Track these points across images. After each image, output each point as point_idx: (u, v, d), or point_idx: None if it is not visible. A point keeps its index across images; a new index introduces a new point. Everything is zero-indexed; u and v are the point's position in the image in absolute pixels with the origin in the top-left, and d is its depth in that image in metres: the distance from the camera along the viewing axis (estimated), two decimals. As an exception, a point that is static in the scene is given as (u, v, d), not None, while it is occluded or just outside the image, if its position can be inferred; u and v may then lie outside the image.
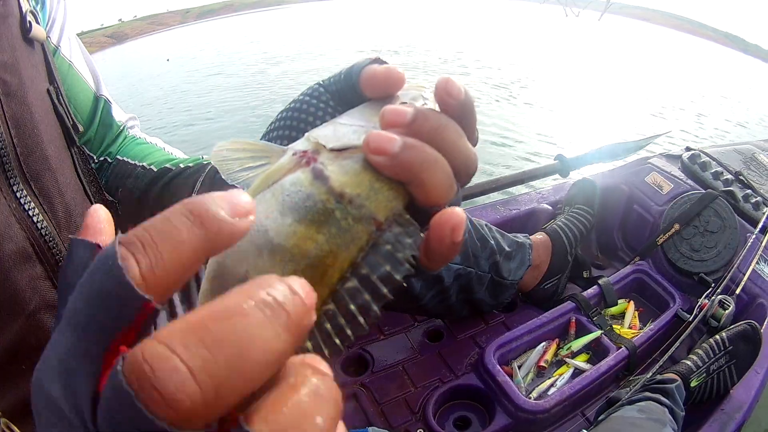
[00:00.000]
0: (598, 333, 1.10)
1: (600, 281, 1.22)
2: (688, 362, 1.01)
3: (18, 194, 0.50)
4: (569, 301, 1.16)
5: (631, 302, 1.23)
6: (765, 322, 1.16)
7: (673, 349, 1.04)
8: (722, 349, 1.02)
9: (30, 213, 0.50)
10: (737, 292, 1.19)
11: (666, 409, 0.89)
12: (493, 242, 1.06)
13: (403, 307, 1.06)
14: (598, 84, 7.20)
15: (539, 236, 1.22)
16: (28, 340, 0.48)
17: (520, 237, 1.16)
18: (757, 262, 1.26)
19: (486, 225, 1.09)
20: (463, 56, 8.74)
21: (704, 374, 1.00)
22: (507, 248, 1.09)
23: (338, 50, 9.94)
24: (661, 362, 1.02)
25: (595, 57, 10.37)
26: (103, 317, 0.15)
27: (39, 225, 0.50)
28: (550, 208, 1.41)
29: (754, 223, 1.30)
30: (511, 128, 4.41)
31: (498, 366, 0.99)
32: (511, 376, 1.01)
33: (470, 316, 1.15)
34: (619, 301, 1.23)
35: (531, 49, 10.45)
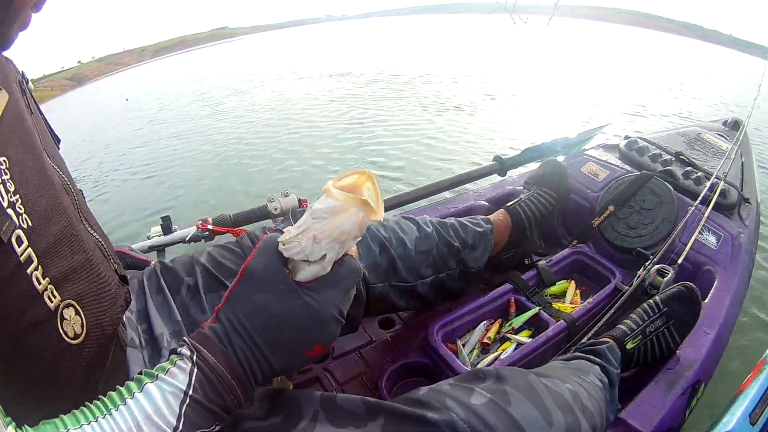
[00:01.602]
0: (536, 309, 1.10)
1: (537, 264, 1.22)
2: (623, 326, 1.00)
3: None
4: (507, 284, 1.17)
5: (572, 282, 1.23)
6: (713, 286, 1.17)
7: (608, 315, 1.05)
8: (656, 311, 1.01)
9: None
10: (679, 261, 1.18)
11: (595, 365, 0.88)
12: (457, 242, 1.10)
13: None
14: (543, 86, 7.31)
15: (500, 216, 1.26)
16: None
17: (482, 223, 1.19)
18: (700, 232, 1.26)
19: (449, 224, 1.14)
20: (408, 73, 8.99)
21: (640, 336, 0.99)
22: (470, 241, 1.14)
23: (294, 74, 10.41)
24: (595, 329, 1.02)
25: (541, 61, 10.68)
26: None
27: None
28: (487, 204, 1.44)
29: (696, 198, 1.31)
30: (455, 136, 4.49)
31: (441, 343, 1.03)
32: (456, 353, 1.03)
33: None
34: (560, 282, 1.22)
35: (479, 60, 10.74)
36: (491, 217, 1.24)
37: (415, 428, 0.58)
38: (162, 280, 0.90)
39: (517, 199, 1.31)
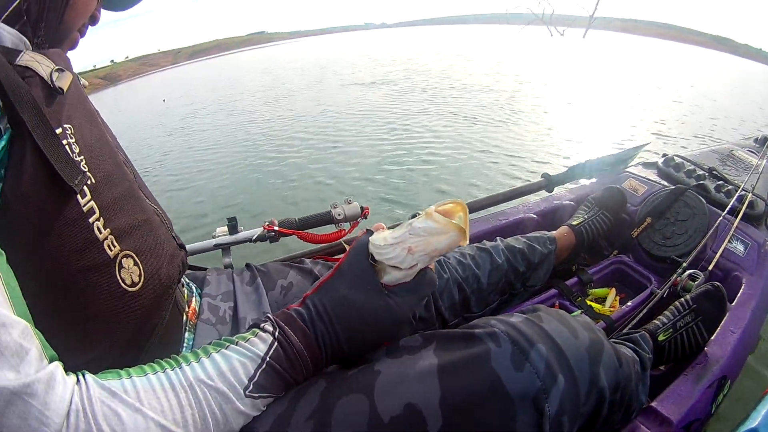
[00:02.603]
0: (578, 312, 1.24)
1: (581, 271, 1.39)
2: (656, 321, 1.12)
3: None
4: (552, 288, 1.32)
5: (613, 289, 1.38)
6: (740, 290, 1.28)
7: (642, 312, 1.17)
8: (687, 308, 1.12)
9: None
10: (710, 268, 1.31)
11: (629, 347, 0.97)
12: (523, 267, 1.19)
13: None
14: (584, 99, 7.41)
15: (565, 232, 1.39)
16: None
17: (548, 244, 1.28)
18: (729, 241, 1.39)
19: (518, 249, 1.21)
20: (452, 82, 9.22)
21: (671, 329, 1.09)
22: (536, 261, 1.22)
23: (324, 81, 10.84)
24: (631, 325, 1.14)
25: (580, 73, 10.77)
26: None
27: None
28: (536, 217, 1.60)
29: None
30: (501, 147, 4.65)
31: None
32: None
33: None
34: (601, 289, 1.38)
35: (519, 71, 10.91)
36: (556, 235, 1.35)
37: (462, 343, 0.64)
38: (258, 275, 0.98)
39: (582, 219, 1.45)
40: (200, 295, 0.92)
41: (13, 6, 0.58)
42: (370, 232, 0.66)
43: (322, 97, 8.86)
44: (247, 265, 1.05)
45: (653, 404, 0.92)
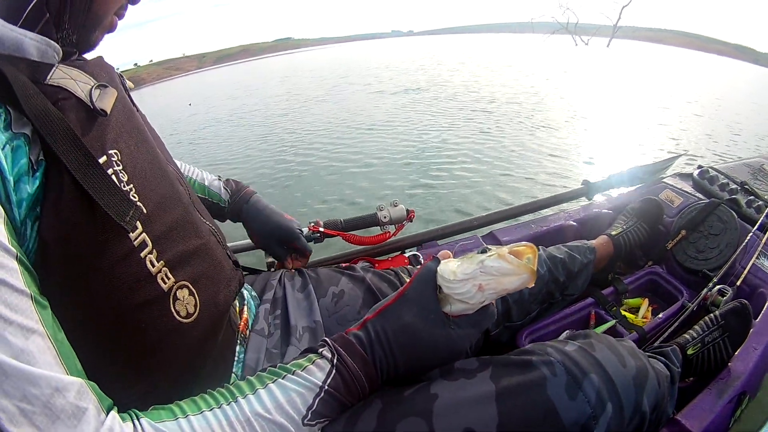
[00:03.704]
0: (612, 322, 1.34)
1: (616, 281, 1.48)
2: (686, 336, 1.19)
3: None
4: (589, 297, 1.40)
5: (646, 299, 1.47)
6: (765, 307, 1.34)
7: (674, 325, 1.25)
8: (715, 323, 1.20)
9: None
10: (738, 283, 1.39)
11: (660, 362, 1.03)
12: (563, 277, 1.23)
13: None
14: (613, 108, 7.47)
15: (604, 242, 1.44)
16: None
17: (588, 254, 1.31)
18: (758, 257, 1.46)
19: (559, 259, 1.24)
20: (483, 90, 9.32)
21: (699, 344, 1.16)
22: (575, 270, 1.26)
23: (352, 86, 11.01)
24: (662, 338, 1.24)
25: (607, 82, 10.80)
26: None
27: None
28: (576, 225, 1.68)
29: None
30: (541, 154, 4.77)
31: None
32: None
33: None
34: (635, 299, 1.47)
35: (547, 79, 10.99)
36: (595, 244, 1.39)
37: (518, 371, 0.64)
38: (309, 282, 0.99)
39: (621, 230, 1.52)
40: (256, 304, 0.92)
41: (32, 5, 0.51)
42: (437, 261, 0.67)
43: (354, 102, 9.11)
44: (299, 270, 1.07)
45: (677, 417, 0.96)
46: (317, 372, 0.59)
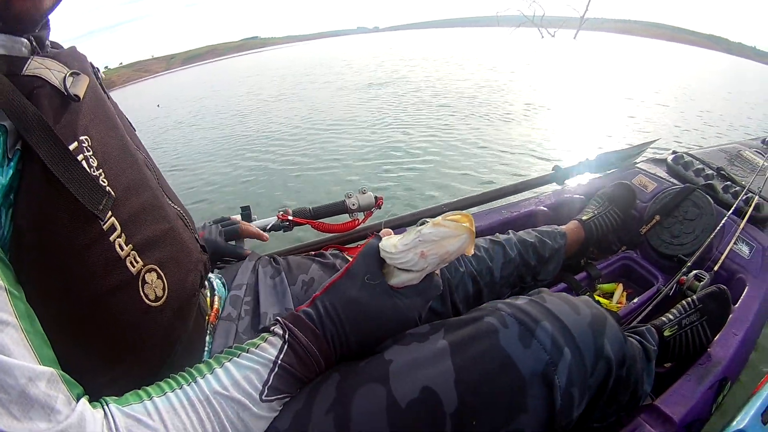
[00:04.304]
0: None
1: (589, 266, 1.42)
2: (663, 318, 1.14)
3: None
4: (561, 282, 1.35)
5: (620, 284, 1.41)
6: (744, 292, 1.30)
7: (649, 308, 1.20)
8: (693, 307, 1.15)
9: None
10: (715, 269, 1.34)
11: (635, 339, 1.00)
12: (534, 261, 1.22)
13: None
14: (579, 100, 7.49)
15: (574, 227, 1.40)
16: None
17: (558, 239, 1.30)
18: (735, 243, 1.42)
19: (529, 243, 1.23)
20: (449, 84, 9.30)
21: (676, 326, 1.11)
22: (546, 255, 1.25)
23: (324, 84, 10.93)
24: (636, 320, 1.17)
25: (571, 74, 10.89)
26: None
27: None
28: (547, 210, 1.62)
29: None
30: (507, 143, 4.76)
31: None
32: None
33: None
34: (609, 284, 1.41)
35: (514, 72, 11.06)
36: (566, 230, 1.36)
37: (471, 328, 0.65)
38: (281, 269, 0.98)
39: (592, 215, 1.46)
40: (228, 289, 0.91)
41: None
42: (378, 238, 0.69)
43: (320, 98, 9.02)
44: (273, 258, 1.05)
45: (656, 403, 0.94)
46: (270, 348, 0.60)
